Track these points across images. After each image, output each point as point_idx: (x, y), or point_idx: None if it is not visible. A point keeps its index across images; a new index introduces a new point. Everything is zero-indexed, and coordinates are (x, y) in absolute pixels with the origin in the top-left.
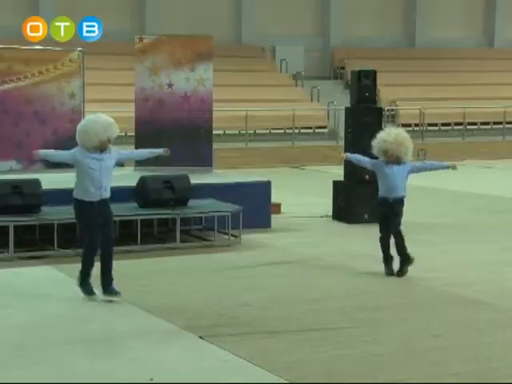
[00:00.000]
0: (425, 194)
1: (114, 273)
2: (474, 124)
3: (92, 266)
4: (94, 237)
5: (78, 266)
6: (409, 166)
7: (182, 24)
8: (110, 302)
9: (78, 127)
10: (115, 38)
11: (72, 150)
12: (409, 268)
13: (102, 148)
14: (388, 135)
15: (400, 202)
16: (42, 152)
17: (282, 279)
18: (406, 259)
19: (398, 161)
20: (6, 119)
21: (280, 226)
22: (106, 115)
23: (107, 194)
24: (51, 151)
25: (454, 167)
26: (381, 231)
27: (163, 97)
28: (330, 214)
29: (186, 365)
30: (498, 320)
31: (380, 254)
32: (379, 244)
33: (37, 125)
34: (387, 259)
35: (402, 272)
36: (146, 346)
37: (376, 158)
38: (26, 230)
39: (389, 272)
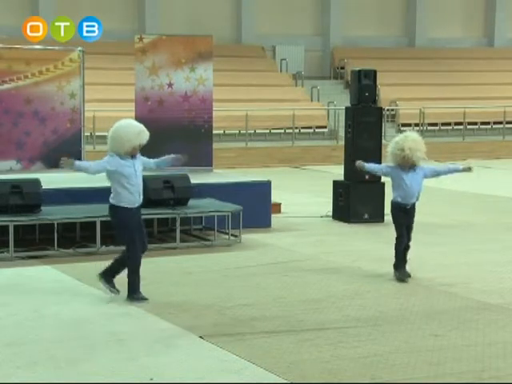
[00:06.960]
0: (425, 193)
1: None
2: (474, 124)
3: (139, 269)
4: (136, 242)
5: (79, 266)
6: (423, 170)
7: (181, 24)
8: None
9: (110, 133)
10: (115, 37)
11: (103, 161)
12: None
13: (132, 154)
14: (404, 141)
15: (414, 207)
16: (77, 163)
17: (282, 279)
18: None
19: (413, 166)
20: (6, 119)
21: (280, 225)
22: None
23: (141, 199)
24: (85, 163)
25: (468, 169)
26: (403, 236)
27: (163, 97)
28: (330, 213)
29: (186, 365)
30: (497, 320)
31: (380, 254)
32: (398, 248)
33: (37, 125)
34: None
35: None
36: (146, 346)
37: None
38: (26, 230)
39: (404, 276)
